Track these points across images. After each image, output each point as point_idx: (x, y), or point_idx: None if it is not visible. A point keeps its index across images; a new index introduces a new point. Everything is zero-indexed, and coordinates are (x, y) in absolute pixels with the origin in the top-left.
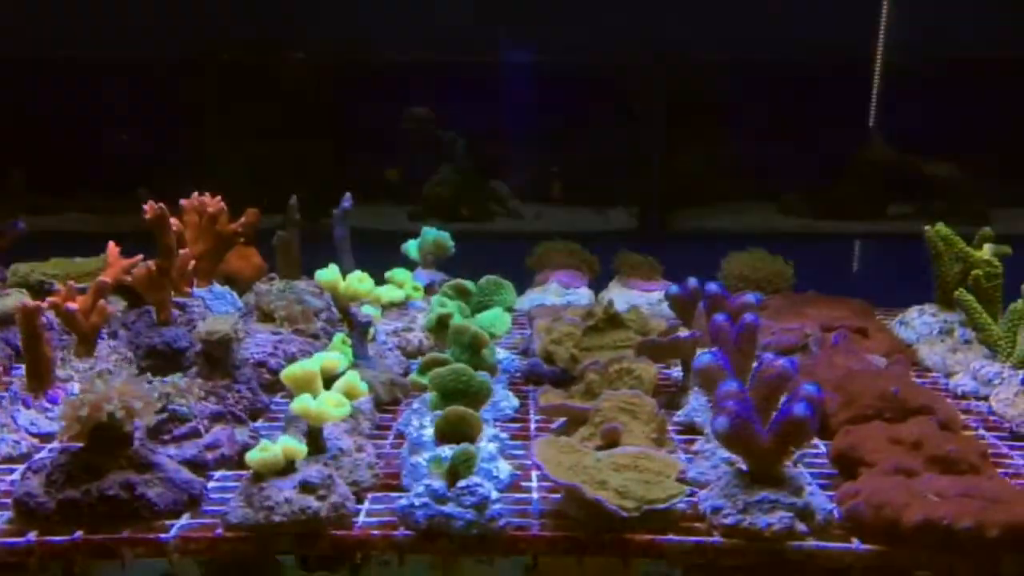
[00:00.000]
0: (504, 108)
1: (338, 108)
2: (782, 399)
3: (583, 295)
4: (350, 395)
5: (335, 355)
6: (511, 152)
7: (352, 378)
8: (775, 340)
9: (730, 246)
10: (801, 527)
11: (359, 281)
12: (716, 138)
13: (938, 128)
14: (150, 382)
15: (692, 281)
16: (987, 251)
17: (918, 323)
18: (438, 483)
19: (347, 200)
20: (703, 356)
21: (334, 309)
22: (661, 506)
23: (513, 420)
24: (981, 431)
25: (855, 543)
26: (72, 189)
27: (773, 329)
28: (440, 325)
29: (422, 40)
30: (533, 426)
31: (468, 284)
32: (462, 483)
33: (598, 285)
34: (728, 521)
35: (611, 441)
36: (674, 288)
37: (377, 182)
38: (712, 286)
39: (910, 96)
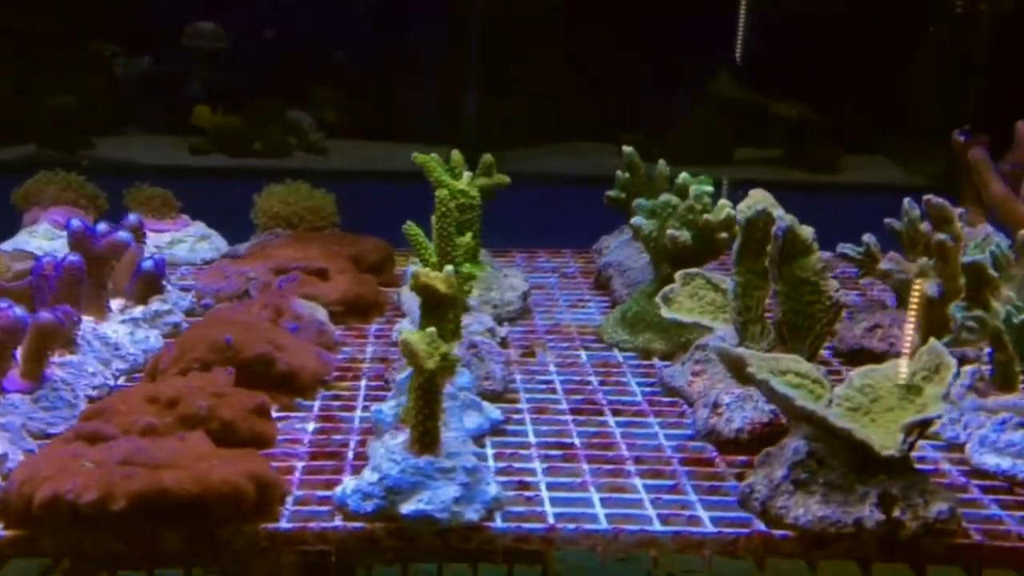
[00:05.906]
0: (308, 32)
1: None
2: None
3: None
4: None
5: None
6: (316, 81)
7: None
8: (223, 286)
9: (558, 190)
10: None
11: None
12: (548, 73)
13: (796, 71)
14: None
15: (131, 217)
16: (465, 180)
17: None
18: None
19: None
20: None
21: None
22: None
23: None
24: None
25: None
26: None
27: (227, 272)
28: None
29: None
30: None
31: None
32: None
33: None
34: None
35: None
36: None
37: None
38: (75, 222)
39: (772, 35)
